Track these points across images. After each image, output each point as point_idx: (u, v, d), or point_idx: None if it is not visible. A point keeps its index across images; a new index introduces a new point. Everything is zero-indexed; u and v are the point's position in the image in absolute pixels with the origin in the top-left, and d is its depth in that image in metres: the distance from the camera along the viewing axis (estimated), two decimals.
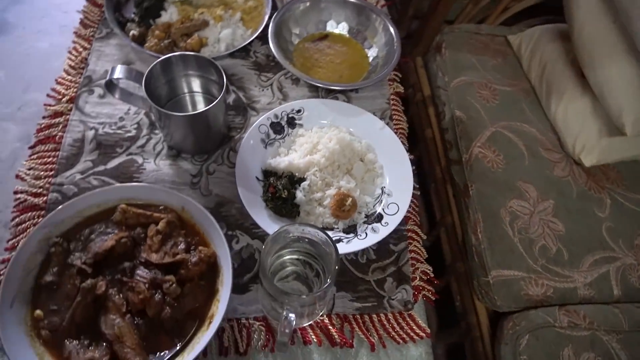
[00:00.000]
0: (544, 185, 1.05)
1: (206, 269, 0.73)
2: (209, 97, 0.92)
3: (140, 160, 0.88)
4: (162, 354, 0.66)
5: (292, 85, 1.02)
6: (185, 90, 0.91)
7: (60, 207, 0.73)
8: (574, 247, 0.98)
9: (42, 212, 0.80)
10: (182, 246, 0.73)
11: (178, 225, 0.76)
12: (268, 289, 0.63)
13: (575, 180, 1.07)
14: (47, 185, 0.83)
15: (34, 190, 0.82)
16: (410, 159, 0.90)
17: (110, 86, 0.83)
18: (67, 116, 0.91)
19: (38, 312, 0.66)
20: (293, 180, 0.83)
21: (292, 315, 0.63)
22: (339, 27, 1.11)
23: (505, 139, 1.11)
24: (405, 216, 0.84)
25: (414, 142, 1.39)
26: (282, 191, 0.79)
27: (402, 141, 0.96)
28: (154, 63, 0.81)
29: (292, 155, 0.87)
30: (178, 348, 0.66)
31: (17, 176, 0.83)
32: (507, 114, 1.16)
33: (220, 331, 0.73)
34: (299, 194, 0.81)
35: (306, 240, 0.70)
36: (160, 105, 0.81)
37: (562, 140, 1.13)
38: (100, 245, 0.71)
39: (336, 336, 0.75)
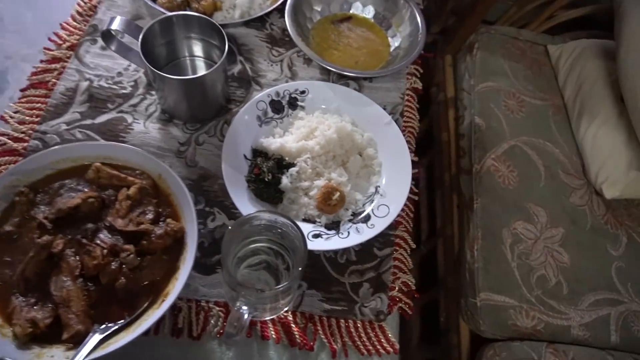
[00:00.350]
0: (556, 211, 0.96)
1: (171, 243, 0.69)
2: (211, 63, 0.87)
3: (129, 119, 0.84)
4: (109, 324, 0.63)
5: (303, 65, 0.96)
6: (186, 53, 0.86)
7: (33, 155, 0.70)
8: (576, 283, 0.90)
9: (20, 159, 0.78)
10: (150, 216, 0.69)
11: (151, 193, 0.72)
12: (225, 277, 0.59)
13: (592, 211, 0.98)
14: (29, 132, 0.80)
15: (16, 135, 0.79)
16: (413, 161, 0.83)
17: (107, 37, 0.79)
18: (65, 63, 0.88)
19: None
20: (281, 164, 0.78)
21: (244, 309, 0.58)
22: (364, 10, 1.04)
23: (523, 155, 1.03)
24: (395, 220, 0.78)
25: (429, 144, 1.32)
26: (266, 174, 0.74)
27: (408, 140, 0.89)
28: (154, 20, 0.76)
29: (286, 138, 0.82)
30: (126, 321, 0.63)
31: (2, 117, 0.80)
32: (530, 129, 1.07)
33: (176, 310, 0.70)
34: (285, 180, 0.76)
35: (279, 230, 0.65)
36: (159, 67, 0.77)
37: (586, 166, 1.04)
38: (66, 201, 0.68)
39: (297, 336, 0.70)
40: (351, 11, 1.04)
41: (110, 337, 0.61)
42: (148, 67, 0.73)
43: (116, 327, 0.62)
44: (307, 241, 0.70)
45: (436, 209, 1.21)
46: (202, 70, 0.88)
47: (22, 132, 0.80)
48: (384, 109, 0.92)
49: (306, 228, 0.75)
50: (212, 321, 0.70)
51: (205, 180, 0.80)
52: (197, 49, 0.86)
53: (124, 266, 0.65)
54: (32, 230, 0.66)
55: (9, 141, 0.78)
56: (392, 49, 1.00)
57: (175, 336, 0.69)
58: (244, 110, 0.82)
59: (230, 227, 0.59)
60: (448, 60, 1.39)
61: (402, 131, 0.90)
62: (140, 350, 0.67)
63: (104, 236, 0.67)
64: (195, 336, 0.69)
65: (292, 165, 0.78)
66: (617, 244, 0.95)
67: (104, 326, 0.62)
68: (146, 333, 0.61)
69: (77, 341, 0.61)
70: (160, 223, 0.69)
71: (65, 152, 0.71)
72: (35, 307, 0.62)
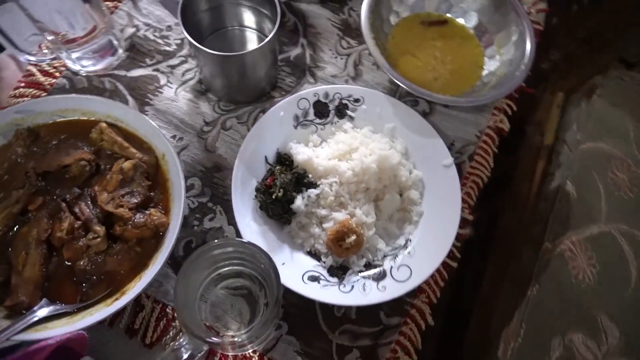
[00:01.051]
0: (636, 334, 0.74)
1: (150, 236, 0.60)
2: (262, 37, 0.76)
3: (163, 81, 0.76)
4: (56, 304, 0.56)
5: (372, 66, 0.81)
6: (235, 23, 0.75)
7: (45, 97, 0.64)
8: None
9: (44, 94, 0.73)
10: (136, 199, 0.60)
11: (148, 173, 0.63)
12: (177, 311, 0.48)
13: None
14: (61, 68, 0.75)
15: (47, 69, 0.75)
16: (465, 219, 0.66)
17: None
18: (118, 3, 0.81)
19: None
20: (302, 181, 0.65)
21: (183, 352, 0.48)
22: (465, 17, 0.85)
23: (615, 248, 0.80)
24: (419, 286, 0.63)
25: (501, 187, 1.10)
26: (277, 189, 0.62)
27: (468, 192, 0.72)
28: None
29: (319, 151, 0.69)
30: (73, 308, 0.56)
31: (39, 46, 0.76)
32: (636, 217, 0.83)
33: (138, 308, 0.62)
34: (299, 201, 0.63)
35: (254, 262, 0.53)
36: (202, 33, 0.67)
37: None
38: (58, 157, 0.61)
39: None
40: (449, 14, 0.85)
41: (52, 319, 0.55)
42: (183, 32, 0.64)
43: (62, 311, 0.56)
44: (301, 284, 0.58)
45: (485, 274, 1.01)
46: (251, 45, 0.77)
47: (54, 67, 0.75)
48: (451, 145, 0.75)
49: (305, 264, 0.63)
50: (171, 332, 0.61)
51: (218, 171, 0.71)
52: (248, 18, 0.74)
53: (90, 247, 0.57)
54: (16, 179, 0.61)
55: (38, 73, 0.74)
56: (485, 72, 0.81)
57: (129, 336, 0.61)
58: (281, 105, 0.70)
59: (189, 258, 0.49)
60: (559, 98, 1.14)
61: (464, 179, 0.73)
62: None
63: (85, 206, 0.60)
64: (147, 343, 0.61)
65: (314, 185, 0.65)
66: None
67: (51, 307, 0.56)
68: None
69: (18, 310, 0.55)
70: (149, 209, 0.61)
71: (77, 102, 0.65)
72: None
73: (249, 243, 0.50)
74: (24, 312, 0.55)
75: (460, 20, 0.85)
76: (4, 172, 0.61)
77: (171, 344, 0.48)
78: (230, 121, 0.74)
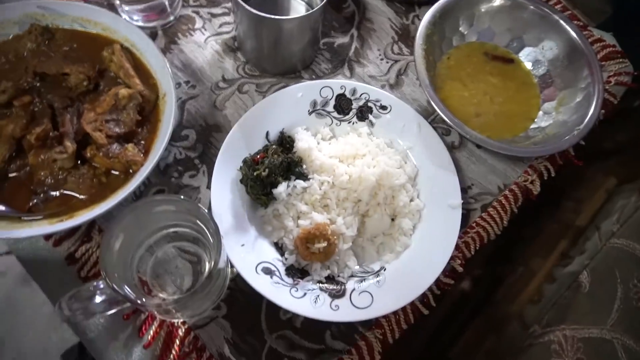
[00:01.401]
0: None
1: (121, 170, 0.57)
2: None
3: (198, 24, 0.73)
4: (4, 206, 0.54)
5: (415, 80, 0.75)
6: None
7: (73, 1, 0.62)
8: None
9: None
10: (119, 129, 0.57)
11: (143, 109, 0.60)
12: (101, 252, 0.44)
13: None
14: None
15: None
16: (452, 275, 0.59)
17: None
18: None
19: None
20: (293, 168, 0.60)
21: (97, 295, 0.44)
22: (534, 63, 0.76)
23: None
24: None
25: (505, 254, 1.00)
26: (262, 168, 0.57)
27: (466, 246, 0.65)
28: None
29: (324, 145, 0.63)
30: (19, 215, 0.53)
31: None
32: None
33: (87, 239, 0.59)
34: (282, 188, 0.58)
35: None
36: None
37: None
38: (61, 63, 0.59)
39: (173, 355, 0.55)
40: (519, 55, 0.77)
41: None
42: None
43: (7, 213, 0.53)
44: (253, 273, 0.54)
45: (459, 336, 0.92)
46: (295, 12, 0.72)
47: None
48: (468, 188, 0.68)
49: (265, 254, 0.58)
50: None
51: (218, 131, 0.67)
52: None
53: (56, 161, 0.55)
54: (17, 71, 0.59)
55: None
56: (533, 126, 0.72)
57: (67, 262, 0.58)
58: (303, 86, 0.65)
59: (133, 204, 0.45)
60: (610, 183, 1.03)
61: (469, 228, 0.66)
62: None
63: (68, 120, 0.57)
64: (82, 276, 0.57)
65: (305, 177, 0.60)
66: None
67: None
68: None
69: None
70: (132, 144, 0.57)
71: (102, 15, 0.63)
72: None
73: (193, 202, 0.46)
74: None
75: (528, 65, 0.77)
76: (7, 62, 0.60)
77: (90, 282, 0.44)
78: (249, 86, 0.70)
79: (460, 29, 0.77)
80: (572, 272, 0.80)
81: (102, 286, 0.44)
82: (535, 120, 0.74)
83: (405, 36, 0.78)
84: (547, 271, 0.88)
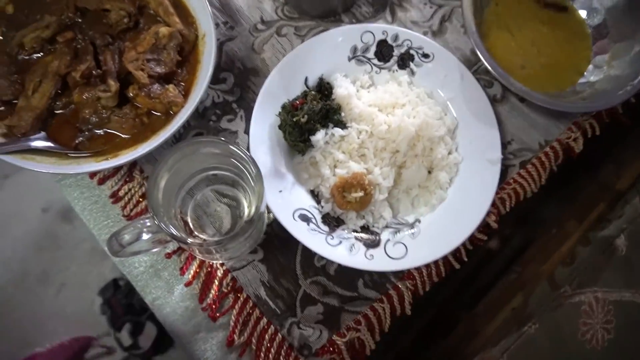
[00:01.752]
0: None
1: (162, 111, 0.57)
2: None
3: None
4: (52, 142, 0.55)
5: (459, 28, 0.71)
6: None
7: None
8: None
9: None
10: (160, 69, 0.57)
11: (183, 49, 0.59)
12: (148, 190, 0.46)
13: None
14: None
15: None
16: (486, 228, 0.59)
17: None
18: None
19: (10, 6, 0.58)
20: (331, 116, 0.59)
21: (143, 233, 0.46)
22: (590, 12, 0.71)
23: None
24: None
25: (541, 214, 0.99)
26: (302, 113, 0.57)
27: (502, 202, 0.64)
28: None
29: (363, 93, 0.62)
30: (66, 152, 0.55)
31: None
32: None
33: (129, 179, 0.60)
34: (320, 135, 0.58)
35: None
36: None
37: None
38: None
39: (211, 295, 0.58)
40: (573, 2, 0.72)
41: (43, 154, 0.54)
42: None
43: (55, 149, 0.55)
44: (290, 219, 0.55)
45: (487, 291, 0.93)
46: None
47: None
48: (507, 143, 0.66)
49: (302, 201, 0.58)
50: None
51: (256, 75, 0.66)
52: None
53: (100, 99, 0.55)
54: (58, 5, 0.58)
55: None
56: (582, 80, 0.69)
57: (112, 201, 0.60)
58: (343, 30, 0.63)
59: (178, 145, 0.45)
60: None
61: (506, 184, 0.65)
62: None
63: (110, 57, 0.57)
64: (125, 214, 0.60)
65: (343, 125, 0.59)
66: None
67: (47, 143, 0.55)
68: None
69: (14, 134, 0.55)
70: (171, 84, 0.57)
71: None
72: (12, 78, 0.56)
73: (240, 148, 0.46)
74: (19, 137, 0.54)
75: (582, 13, 0.72)
76: None
77: (138, 219, 0.46)
78: (288, 29, 0.68)
79: None
80: (608, 236, 0.79)
81: (148, 224, 0.45)
82: (585, 74, 0.70)
83: None
84: (582, 233, 0.87)
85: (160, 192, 0.46)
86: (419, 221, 0.59)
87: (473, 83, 0.63)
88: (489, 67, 0.60)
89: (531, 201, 0.71)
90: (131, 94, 0.56)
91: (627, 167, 0.95)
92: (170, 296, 0.57)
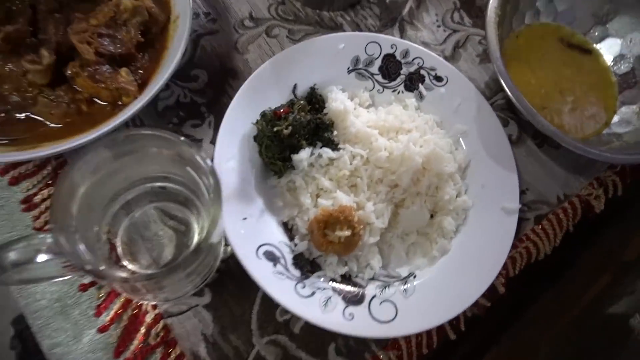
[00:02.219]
0: None
1: (107, 100, 0.45)
2: None
3: None
4: None
5: (474, 57, 0.62)
6: None
7: None
8: None
9: None
10: (113, 48, 0.45)
11: (148, 29, 0.48)
12: (54, 196, 0.33)
13: None
14: None
15: None
16: (492, 290, 0.48)
17: None
18: None
19: None
20: (321, 133, 0.48)
21: (41, 252, 0.32)
22: (617, 57, 0.64)
23: None
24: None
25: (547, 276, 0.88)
26: (284, 124, 0.45)
27: (512, 262, 0.53)
28: None
29: (362, 112, 0.51)
30: None
31: None
32: None
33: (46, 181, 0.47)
34: (305, 154, 0.46)
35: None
36: None
37: None
38: None
39: (133, 346, 0.43)
40: (598, 46, 0.65)
41: None
42: None
43: None
44: (252, 256, 0.42)
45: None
46: None
47: None
48: (522, 192, 0.55)
49: (270, 235, 0.46)
50: None
51: (234, 77, 0.55)
52: None
53: (27, 73, 0.43)
54: None
55: None
56: (606, 130, 0.60)
57: (24, 204, 0.46)
58: (346, 37, 0.53)
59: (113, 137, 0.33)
60: None
61: (518, 241, 0.54)
62: None
63: (53, 25, 0.45)
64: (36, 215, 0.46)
65: (334, 146, 0.48)
66: None
67: None
68: None
69: None
70: (127, 69, 0.46)
71: None
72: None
73: (195, 146, 0.34)
74: None
75: (607, 59, 0.65)
76: None
77: (36, 234, 0.33)
78: (280, 30, 0.58)
79: (537, 4, 0.64)
80: (622, 313, 0.69)
81: (49, 240, 0.32)
82: (611, 125, 0.62)
83: (469, 5, 0.66)
84: (586, 308, 0.77)
85: (76, 200, 0.33)
86: (414, 276, 0.47)
87: (491, 117, 0.54)
88: (513, 100, 0.51)
89: (542, 261, 0.61)
90: (70, 72, 0.43)
91: (636, 235, 0.86)
92: (76, 344, 0.43)
